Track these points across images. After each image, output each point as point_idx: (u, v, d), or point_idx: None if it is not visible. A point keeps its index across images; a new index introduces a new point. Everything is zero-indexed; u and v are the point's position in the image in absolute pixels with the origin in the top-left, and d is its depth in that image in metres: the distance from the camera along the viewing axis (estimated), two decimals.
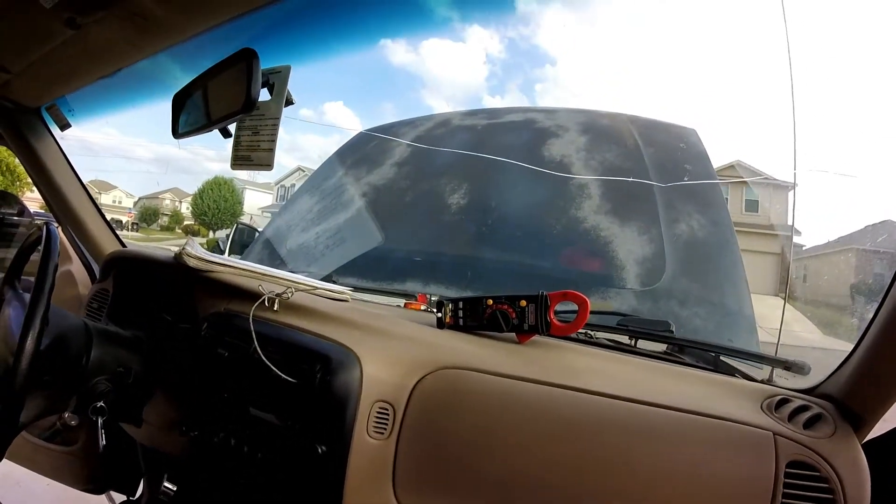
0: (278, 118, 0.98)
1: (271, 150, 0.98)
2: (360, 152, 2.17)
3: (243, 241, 2.09)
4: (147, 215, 40.14)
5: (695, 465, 0.75)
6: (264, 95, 0.99)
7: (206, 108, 1.06)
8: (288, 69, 0.98)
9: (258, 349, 0.92)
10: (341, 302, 1.11)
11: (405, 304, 1.34)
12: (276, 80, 0.98)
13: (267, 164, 0.99)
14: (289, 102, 1.00)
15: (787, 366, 0.99)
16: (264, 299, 1.00)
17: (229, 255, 1.98)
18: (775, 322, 1.40)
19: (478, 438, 0.84)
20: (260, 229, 2.21)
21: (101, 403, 0.96)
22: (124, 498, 1.50)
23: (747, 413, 0.78)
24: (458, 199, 1.70)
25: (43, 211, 2.25)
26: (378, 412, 0.89)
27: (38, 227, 0.95)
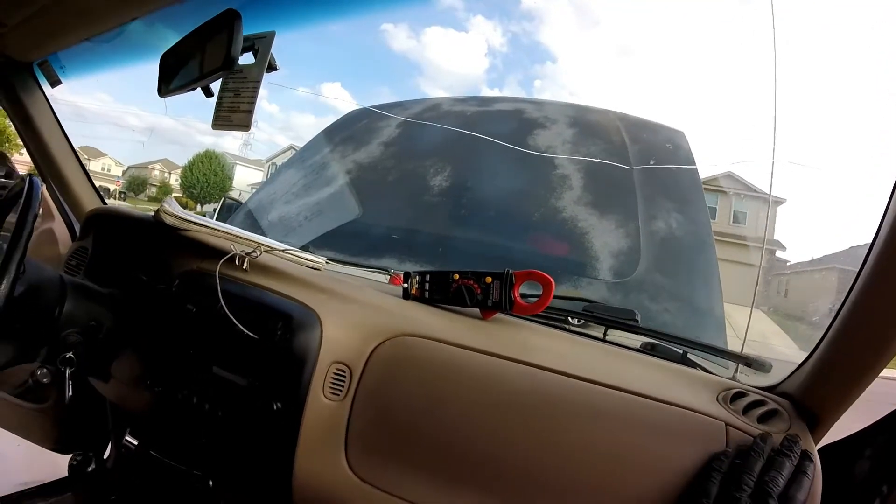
0: (259, 81, 1.00)
1: (250, 112, 1.00)
2: (348, 130, 2.18)
3: (230, 216, 2.10)
4: (135, 185, 39.72)
5: (644, 448, 0.75)
6: (248, 59, 1.01)
7: (190, 66, 1.07)
8: (272, 35, 1.00)
9: (223, 304, 0.93)
10: (313, 270, 1.12)
11: (390, 279, 1.35)
12: (261, 45, 1.00)
13: (245, 125, 1.00)
14: (272, 68, 1.01)
15: (749, 362, 1.00)
16: (233, 257, 1.02)
17: None
18: (752, 333, 1.41)
19: (431, 406, 0.85)
20: None
21: (71, 354, 0.97)
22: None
23: (701, 402, 0.78)
24: (441, 180, 1.72)
25: (32, 174, 2.25)
26: (335, 373, 0.90)
27: (21, 180, 0.95)
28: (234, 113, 1.02)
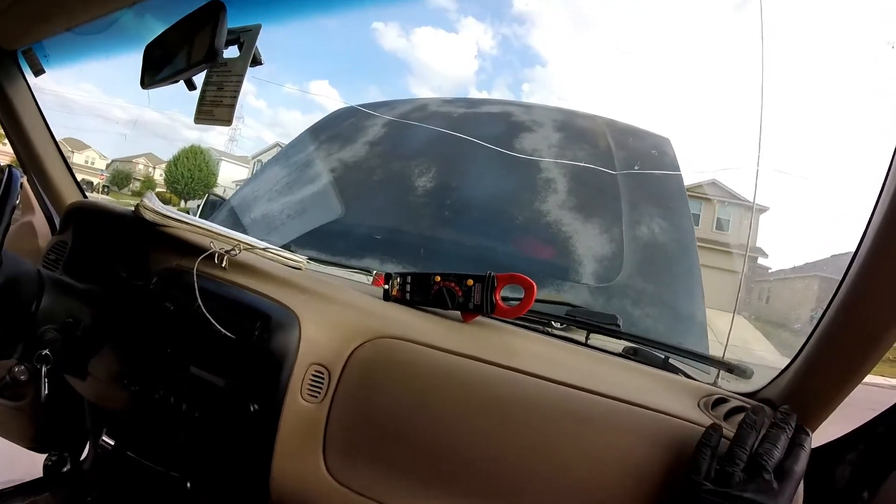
0: (243, 75, 0.98)
1: (232, 107, 0.98)
2: (334, 129, 2.17)
3: (213, 213, 2.08)
4: (119, 179, 39.39)
5: (624, 453, 0.75)
6: (233, 52, 1.00)
7: (174, 58, 1.06)
8: (258, 28, 0.99)
9: (200, 302, 0.92)
10: (294, 269, 1.12)
11: (373, 281, 1.34)
12: (246, 39, 0.99)
13: (227, 120, 0.99)
14: (256, 62, 1.00)
15: (730, 368, 1.01)
16: (211, 255, 1.01)
17: None
18: (734, 338, 1.42)
19: (410, 409, 0.85)
20: None
21: (47, 351, 0.96)
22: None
23: (683, 408, 0.79)
24: (426, 181, 1.71)
25: (13, 165, 2.21)
26: (313, 375, 0.89)
27: (0, 170, 0.94)
28: (216, 107, 1.00)
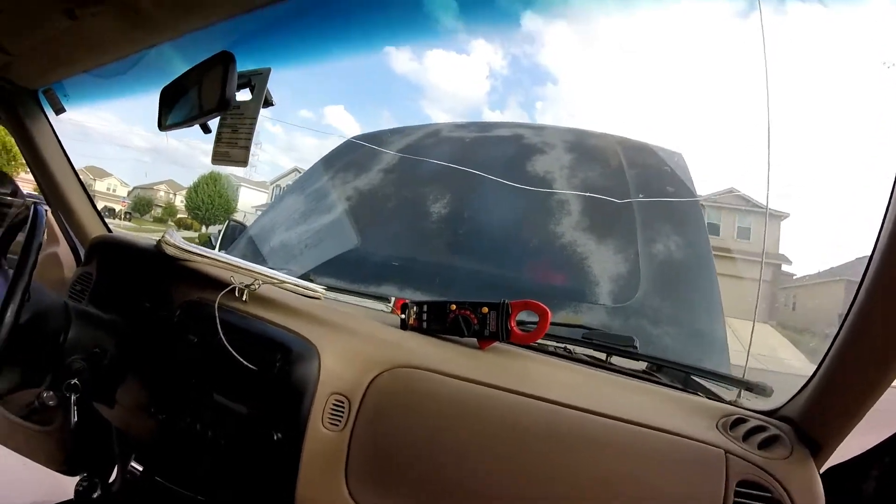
0: (256, 118, 1.01)
1: (247, 149, 1.01)
2: (348, 157, 2.19)
3: (234, 238, 2.10)
4: (140, 205, 40.13)
5: (642, 478, 0.75)
6: (245, 95, 1.02)
7: (188, 103, 1.09)
8: (268, 71, 1.01)
9: (222, 336, 0.94)
10: (312, 299, 1.13)
11: (392, 309, 1.35)
12: (257, 82, 1.01)
13: (243, 161, 1.02)
14: (268, 103, 1.02)
15: (750, 387, 1.00)
16: (233, 289, 1.03)
17: (219, 249, 2.00)
18: (756, 347, 1.41)
19: (429, 436, 0.86)
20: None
21: (76, 381, 0.98)
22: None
23: (700, 430, 0.78)
24: (440, 208, 1.72)
25: (36, 193, 2.27)
26: (334, 404, 0.91)
27: (27, 207, 0.97)
28: (232, 148, 1.03)
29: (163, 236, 1.13)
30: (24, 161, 1.73)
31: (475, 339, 1.00)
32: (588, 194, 1.58)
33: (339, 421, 0.90)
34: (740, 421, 0.82)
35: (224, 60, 0.96)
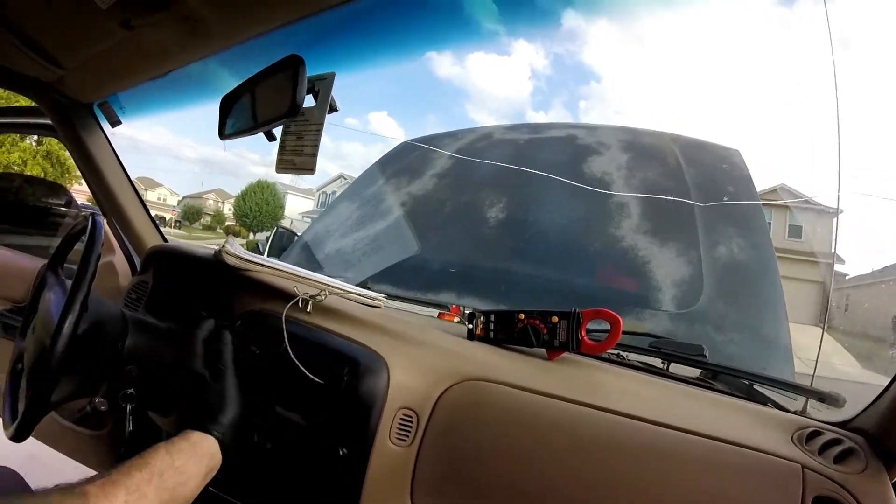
0: (322, 124, 1.00)
1: (314, 156, 1.00)
2: (401, 162, 2.20)
3: (282, 245, 2.12)
4: (190, 214, 41.43)
5: (719, 493, 0.73)
6: (309, 101, 1.01)
7: (252, 111, 1.08)
8: (332, 76, 1.00)
9: (288, 349, 0.93)
10: (374, 308, 1.12)
11: (439, 314, 1.34)
12: (321, 87, 1.00)
13: (309, 169, 1.00)
14: (332, 109, 1.01)
15: (822, 397, 0.96)
16: (298, 300, 1.02)
17: (268, 256, 2.01)
18: (813, 352, 1.36)
19: (499, 452, 0.84)
20: (299, 234, 2.24)
21: (132, 390, 0.98)
22: None
23: (776, 444, 0.76)
24: (497, 212, 1.71)
25: (90, 203, 2.33)
26: (402, 419, 0.90)
27: (85, 218, 0.97)
28: (297, 156, 1.02)
29: (223, 245, 1.13)
30: (77, 174, 1.77)
31: (543, 350, 0.98)
32: (653, 196, 1.54)
33: (408, 436, 0.89)
34: (815, 434, 0.79)
35: (294, 64, 0.95)
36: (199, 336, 1.02)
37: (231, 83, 1.17)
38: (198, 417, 0.87)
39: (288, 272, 1.10)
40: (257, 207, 35.79)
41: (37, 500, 0.58)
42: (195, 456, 0.79)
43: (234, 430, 0.87)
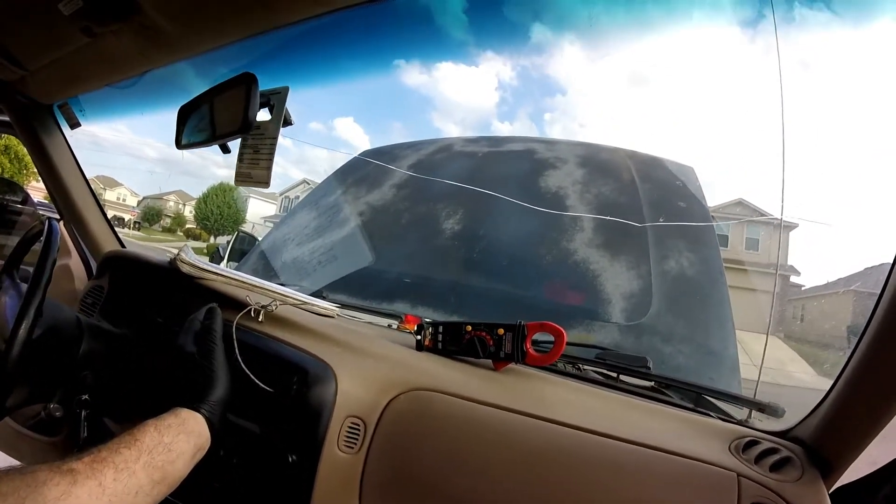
0: (276, 138, 1.01)
1: (268, 169, 1.01)
2: (360, 172, 2.20)
3: (243, 249, 2.11)
4: (150, 215, 40.48)
5: (657, 502, 0.75)
6: (265, 115, 1.02)
7: (208, 123, 1.08)
8: (286, 90, 1.01)
9: (238, 357, 0.94)
10: (327, 318, 1.13)
11: (398, 325, 1.35)
12: (276, 101, 1.01)
13: (264, 182, 1.01)
14: (287, 123, 1.02)
15: (762, 408, 0.99)
16: (250, 309, 1.03)
17: (228, 260, 2.00)
18: (769, 360, 1.40)
19: (445, 461, 0.86)
20: (260, 238, 2.23)
21: (86, 396, 0.98)
22: None
23: (713, 453, 0.78)
24: (452, 224, 1.73)
25: (46, 201, 2.29)
26: (349, 427, 0.91)
27: (41, 221, 0.97)
28: (253, 169, 1.03)
29: (178, 254, 1.13)
30: (35, 170, 1.74)
31: (490, 361, 1.00)
32: (607, 218, 1.57)
33: (355, 443, 0.90)
34: (753, 443, 0.82)
35: (246, 81, 0.96)
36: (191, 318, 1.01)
37: (191, 92, 1.16)
38: (187, 395, 0.86)
39: (242, 281, 1.11)
40: (219, 210, 35.18)
41: (24, 477, 0.58)
42: (184, 433, 0.78)
43: (223, 408, 0.87)
